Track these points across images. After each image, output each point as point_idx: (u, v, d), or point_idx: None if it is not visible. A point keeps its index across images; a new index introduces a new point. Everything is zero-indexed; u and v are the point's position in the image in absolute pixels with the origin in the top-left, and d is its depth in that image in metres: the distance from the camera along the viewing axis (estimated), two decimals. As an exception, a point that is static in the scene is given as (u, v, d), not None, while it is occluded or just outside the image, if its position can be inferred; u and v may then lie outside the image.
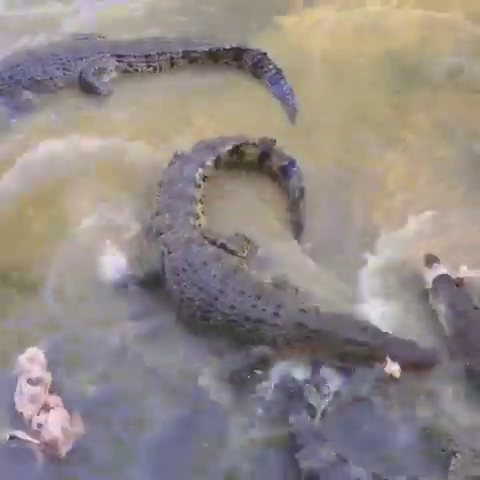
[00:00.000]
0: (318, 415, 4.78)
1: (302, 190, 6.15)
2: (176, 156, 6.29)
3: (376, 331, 5.03)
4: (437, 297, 5.38)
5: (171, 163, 6.25)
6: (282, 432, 4.74)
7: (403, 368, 4.89)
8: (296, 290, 5.41)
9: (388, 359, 4.90)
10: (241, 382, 5.01)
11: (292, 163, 6.28)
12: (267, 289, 5.30)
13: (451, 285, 5.40)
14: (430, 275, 5.47)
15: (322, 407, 4.83)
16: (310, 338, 5.03)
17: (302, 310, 5.14)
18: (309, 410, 4.78)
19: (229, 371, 5.04)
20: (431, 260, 5.52)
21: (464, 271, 5.50)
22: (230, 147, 6.36)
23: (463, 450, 4.53)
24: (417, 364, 4.96)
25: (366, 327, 5.04)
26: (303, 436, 4.59)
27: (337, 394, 4.91)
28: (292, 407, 4.79)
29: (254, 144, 6.37)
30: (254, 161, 6.41)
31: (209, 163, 6.27)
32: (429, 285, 5.46)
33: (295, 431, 4.64)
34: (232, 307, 5.14)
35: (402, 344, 4.99)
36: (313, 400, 4.83)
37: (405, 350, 4.95)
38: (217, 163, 6.33)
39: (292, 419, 4.70)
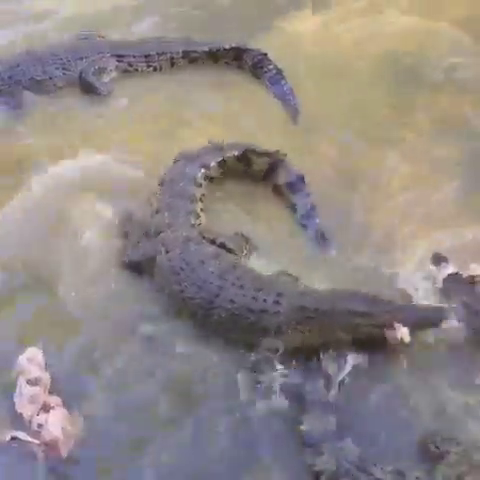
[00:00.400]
0: (335, 386, 4.82)
1: (313, 205, 6.07)
2: (181, 155, 6.27)
3: (378, 300, 5.05)
4: (449, 296, 5.33)
5: (175, 161, 6.23)
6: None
7: (413, 329, 4.93)
8: (296, 279, 5.44)
9: (396, 325, 4.93)
10: (261, 373, 4.98)
11: (301, 179, 6.17)
12: (266, 280, 5.33)
13: (463, 284, 5.36)
14: (439, 275, 5.45)
15: (339, 378, 4.85)
16: (313, 318, 5.03)
17: (302, 293, 5.18)
18: (326, 380, 4.82)
19: (247, 367, 5.02)
20: (439, 259, 5.51)
21: (474, 269, 5.45)
22: (238, 152, 6.27)
23: (456, 450, 4.52)
24: (425, 324, 5.03)
25: (367, 297, 5.06)
26: (320, 439, 4.57)
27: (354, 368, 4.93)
28: (309, 376, 4.81)
29: (264, 154, 6.27)
30: (261, 172, 6.32)
31: (213, 164, 6.22)
32: (439, 284, 5.42)
33: (309, 430, 4.62)
34: (233, 301, 5.14)
35: (406, 307, 5.06)
36: (330, 370, 4.86)
37: (411, 312, 5.02)
38: (222, 165, 6.26)
39: (308, 387, 4.73)
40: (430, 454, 4.58)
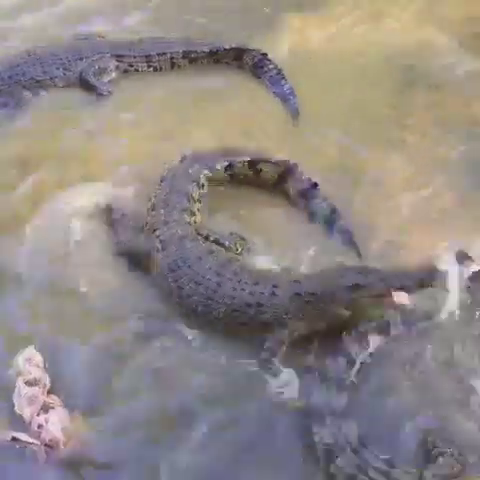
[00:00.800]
0: (356, 366, 4.85)
1: (335, 210, 5.98)
2: (188, 155, 6.23)
3: (369, 270, 5.12)
4: (476, 294, 5.30)
5: (182, 160, 6.20)
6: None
7: (409, 292, 4.98)
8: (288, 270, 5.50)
9: (393, 291, 4.96)
10: (271, 367, 5.03)
11: (314, 186, 6.06)
12: (261, 273, 5.39)
13: None
14: (464, 273, 5.42)
15: (361, 359, 4.88)
16: (311, 302, 5.08)
17: (295, 281, 5.22)
18: (348, 359, 4.87)
19: (257, 362, 5.07)
20: (463, 257, 5.50)
21: None
22: (247, 159, 6.18)
23: (451, 452, 4.53)
24: (421, 285, 5.04)
25: (357, 270, 5.13)
26: (325, 412, 4.64)
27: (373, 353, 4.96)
28: (331, 356, 4.86)
29: (274, 163, 6.18)
30: (270, 181, 6.22)
31: (218, 167, 6.18)
32: (464, 282, 5.39)
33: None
34: (232, 297, 5.18)
35: (398, 273, 5.08)
36: (352, 350, 4.91)
37: (404, 277, 5.04)
38: (228, 170, 6.20)
39: (330, 366, 4.78)
40: (426, 452, 4.59)
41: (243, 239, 5.80)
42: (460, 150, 6.63)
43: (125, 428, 4.84)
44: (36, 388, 4.84)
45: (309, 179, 6.09)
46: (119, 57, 7.54)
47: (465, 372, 4.94)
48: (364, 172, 6.44)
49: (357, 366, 4.88)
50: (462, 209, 6.15)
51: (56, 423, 4.71)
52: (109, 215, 6.03)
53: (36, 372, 4.93)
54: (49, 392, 4.92)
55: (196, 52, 7.62)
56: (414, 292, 5.04)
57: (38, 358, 5.03)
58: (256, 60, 7.52)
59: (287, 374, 4.98)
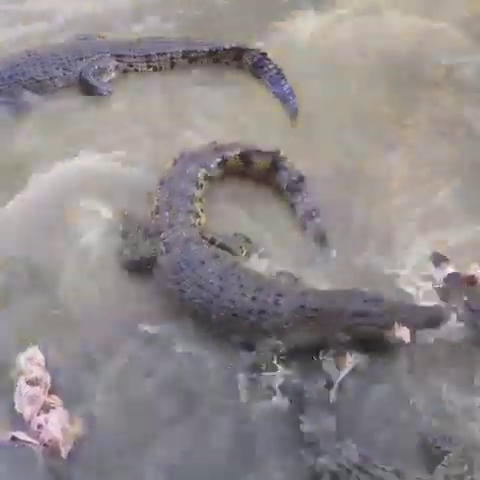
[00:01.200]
0: (335, 386, 4.85)
1: (317, 210, 6.04)
2: (181, 155, 6.26)
3: (378, 299, 5.04)
4: (449, 296, 5.34)
5: (175, 162, 6.23)
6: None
7: (413, 330, 4.95)
8: (296, 279, 5.46)
9: (396, 325, 4.93)
10: (261, 373, 5.00)
11: (302, 179, 6.16)
12: (266, 280, 5.34)
13: (462, 283, 5.36)
14: (439, 274, 5.46)
15: (339, 378, 4.88)
16: (313, 318, 5.04)
17: (302, 293, 5.17)
18: (326, 380, 4.87)
19: (247, 367, 5.05)
20: (439, 259, 5.52)
21: (475, 268, 5.43)
22: (238, 152, 6.28)
23: (456, 449, 4.53)
24: (426, 324, 5.01)
25: (367, 297, 5.05)
26: (319, 439, 4.58)
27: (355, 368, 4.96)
28: (309, 376, 4.85)
29: (265, 154, 6.26)
30: (261, 172, 6.30)
31: (213, 164, 6.22)
32: (437, 284, 5.44)
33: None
34: (233, 301, 5.15)
35: (407, 307, 5.06)
36: (331, 370, 4.90)
37: (411, 313, 5.01)
38: (222, 165, 6.26)
39: (308, 387, 4.76)
40: (431, 454, 4.59)
41: (248, 240, 5.77)
42: (460, 150, 6.63)
43: (124, 428, 4.86)
44: (37, 388, 4.84)
45: (298, 172, 6.17)
46: (119, 57, 7.53)
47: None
48: (363, 171, 6.44)
49: (336, 387, 4.85)
50: (462, 209, 6.15)
51: (56, 423, 4.70)
52: (125, 225, 5.96)
53: (38, 371, 4.92)
54: (50, 392, 4.92)
55: (196, 52, 7.62)
56: (420, 329, 5.02)
57: (40, 357, 5.02)
58: (256, 60, 7.52)
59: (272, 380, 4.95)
